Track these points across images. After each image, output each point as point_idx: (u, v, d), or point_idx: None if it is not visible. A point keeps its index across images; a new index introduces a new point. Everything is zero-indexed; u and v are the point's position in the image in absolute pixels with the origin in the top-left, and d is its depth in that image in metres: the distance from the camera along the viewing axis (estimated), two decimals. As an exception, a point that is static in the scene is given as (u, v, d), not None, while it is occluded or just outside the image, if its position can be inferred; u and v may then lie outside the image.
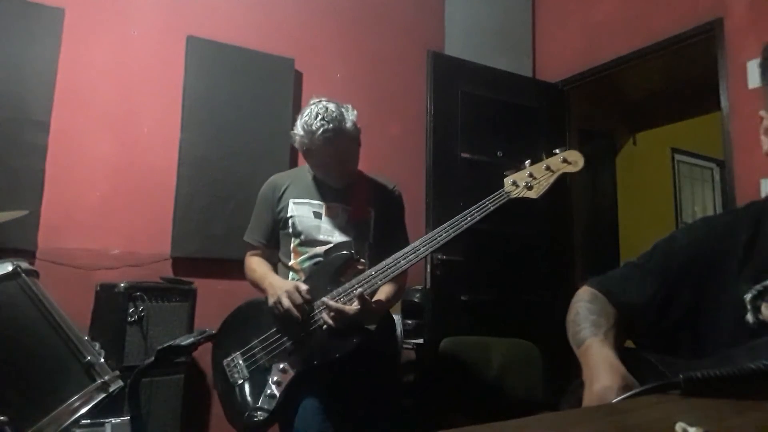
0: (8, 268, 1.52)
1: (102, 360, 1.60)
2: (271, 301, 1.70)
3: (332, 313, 1.62)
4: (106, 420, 2.07)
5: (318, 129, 1.73)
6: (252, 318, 1.76)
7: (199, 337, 1.76)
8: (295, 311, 1.64)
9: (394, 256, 1.67)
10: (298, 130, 1.80)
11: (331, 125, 1.74)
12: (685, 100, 4.40)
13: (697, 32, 2.94)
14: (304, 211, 1.85)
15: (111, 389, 1.56)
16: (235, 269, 2.90)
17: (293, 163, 3.13)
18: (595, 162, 4.63)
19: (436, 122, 3.32)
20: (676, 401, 0.70)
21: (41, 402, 1.44)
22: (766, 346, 0.82)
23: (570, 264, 3.69)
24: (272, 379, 1.55)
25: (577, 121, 3.90)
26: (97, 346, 1.64)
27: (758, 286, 0.91)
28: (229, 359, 1.72)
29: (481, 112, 3.47)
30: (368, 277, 1.67)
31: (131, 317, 2.32)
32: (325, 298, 1.65)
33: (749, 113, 2.69)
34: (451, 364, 2.69)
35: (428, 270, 3.14)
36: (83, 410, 1.48)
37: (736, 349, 0.85)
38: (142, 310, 2.35)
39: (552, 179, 1.62)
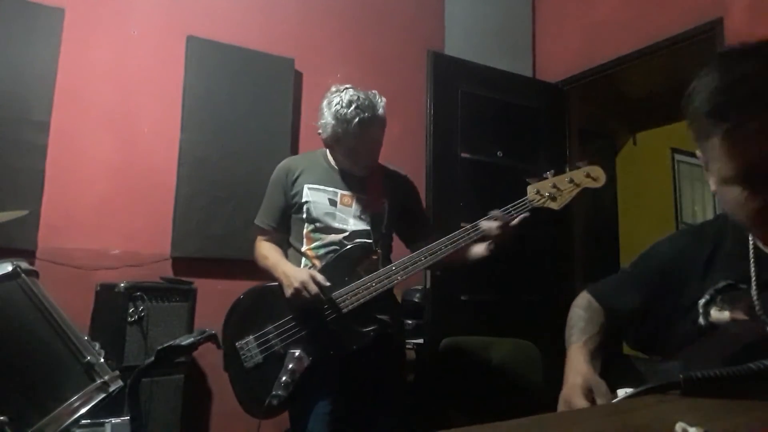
0: (8, 268, 1.52)
1: (102, 360, 1.60)
2: (287, 291, 1.70)
3: (499, 224, 1.66)
4: (106, 420, 2.07)
5: (354, 117, 1.73)
6: (265, 303, 1.78)
7: (199, 337, 1.75)
8: (312, 302, 1.66)
9: (411, 256, 1.72)
10: (328, 119, 1.77)
11: (366, 113, 1.74)
12: (686, 100, 4.39)
13: (697, 32, 2.94)
14: (320, 198, 1.83)
15: (111, 389, 1.56)
16: (235, 269, 2.91)
17: (293, 163, 3.13)
18: (596, 162, 4.62)
19: (436, 122, 3.32)
20: (676, 401, 0.70)
21: (41, 402, 1.44)
22: (712, 343, 0.90)
23: (570, 263, 3.69)
24: (288, 366, 1.55)
25: (577, 121, 3.89)
26: (97, 346, 1.64)
27: (711, 291, 0.97)
28: (243, 342, 1.73)
29: (481, 112, 3.47)
30: (388, 272, 1.71)
31: (131, 317, 2.32)
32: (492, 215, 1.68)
33: (749, 113, 2.68)
34: (451, 364, 2.68)
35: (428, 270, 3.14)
36: (83, 410, 1.48)
37: (689, 348, 0.89)
38: (142, 310, 2.35)
39: (574, 193, 1.66)
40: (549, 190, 1.66)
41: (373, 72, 3.49)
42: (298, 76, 3.22)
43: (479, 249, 1.78)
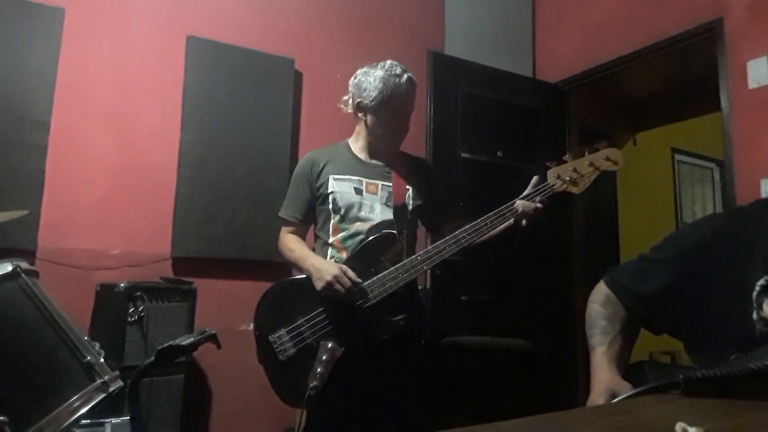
0: (8, 268, 1.52)
1: (102, 360, 1.59)
2: (318, 285, 1.71)
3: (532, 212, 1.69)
4: (106, 420, 2.07)
5: (403, 73, 1.86)
6: (294, 296, 1.79)
7: (199, 337, 1.75)
8: (345, 295, 1.68)
9: (436, 244, 1.72)
10: (374, 84, 1.86)
11: (410, 74, 1.88)
12: (685, 100, 4.39)
13: (697, 32, 2.94)
14: (345, 187, 1.85)
15: (111, 389, 1.56)
16: (235, 269, 2.91)
17: (293, 164, 3.12)
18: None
19: (436, 122, 3.32)
20: (676, 401, 0.70)
21: (41, 402, 1.44)
22: None
23: (570, 264, 3.69)
24: (321, 357, 1.57)
25: (577, 121, 3.89)
26: (97, 346, 1.64)
27: (762, 281, 0.94)
28: (275, 335, 1.75)
29: (481, 112, 3.47)
30: (413, 261, 1.72)
31: (131, 317, 2.32)
32: (518, 200, 1.71)
33: (749, 113, 2.69)
34: (451, 364, 2.69)
35: (428, 270, 3.14)
36: (83, 410, 1.48)
37: (744, 356, 0.87)
38: (142, 310, 2.35)
39: (594, 176, 1.65)
40: (569, 174, 1.65)
41: (373, 72, 3.48)
42: (298, 76, 3.22)
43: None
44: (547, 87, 3.76)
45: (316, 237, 1.93)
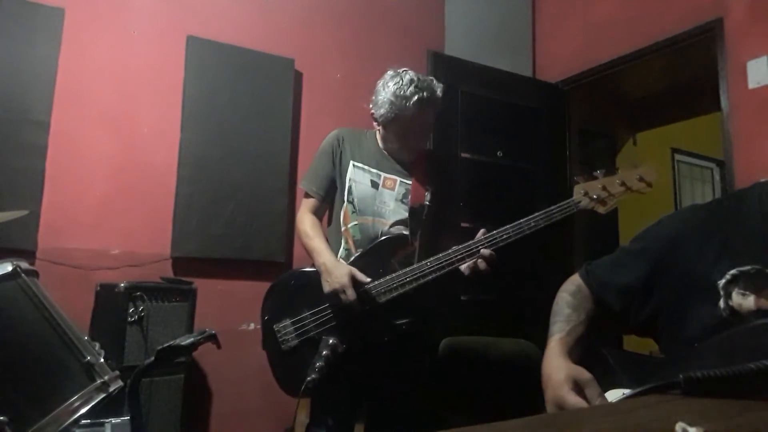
0: (8, 268, 1.52)
1: (102, 360, 1.59)
2: (325, 287, 1.72)
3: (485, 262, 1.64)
4: (106, 420, 2.07)
5: (413, 95, 1.76)
6: (303, 288, 1.79)
7: (199, 337, 1.75)
8: (352, 304, 1.67)
9: (447, 253, 1.68)
10: (386, 97, 1.80)
11: (425, 93, 1.78)
12: (685, 100, 4.39)
13: (697, 32, 2.94)
14: (363, 178, 1.85)
15: (111, 389, 1.56)
16: (235, 269, 2.91)
17: (293, 164, 3.13)
18: (595, 162, 4.62)
19: (436, 122, 3.32)
20: (676, 401, 0.70)
21: (41, 402, 1.44)
22: (733, 340, 0.85)
23: (570, 263, 3.69)
24: (322, 351, 1.58)
25: (577, 121, 3.89)
26: (97, 346, 1.64)
27: (733, 271, 0.93)
28: (280, 325, 1.76)
29: (481, 112, 3.47)
30: (422, 268, 1.69)
31: (131, 317, 2.32)
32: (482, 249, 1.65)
33: (749, 113, 2.69)
34: (451, 364, 2.68)
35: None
36: (83, 410, 1.48)
37: (704, 343, 0.87)
38: (142, 310, 2.35)
39: (623, 196, 1.54)
40: (598, 192, 1.55)
41: (373, 72, 3.46)
42: (298, 76, 3.22)
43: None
44: (547, 87, 3.76)
45: (330, 220, 1.92)
